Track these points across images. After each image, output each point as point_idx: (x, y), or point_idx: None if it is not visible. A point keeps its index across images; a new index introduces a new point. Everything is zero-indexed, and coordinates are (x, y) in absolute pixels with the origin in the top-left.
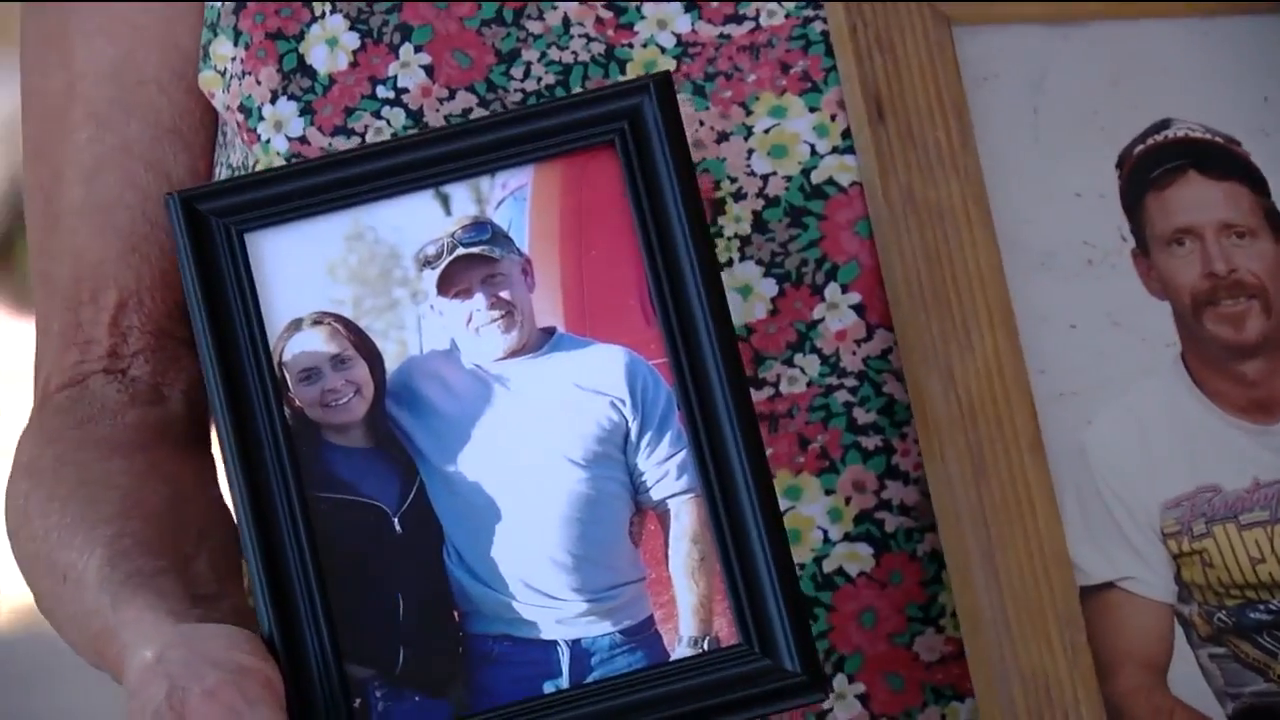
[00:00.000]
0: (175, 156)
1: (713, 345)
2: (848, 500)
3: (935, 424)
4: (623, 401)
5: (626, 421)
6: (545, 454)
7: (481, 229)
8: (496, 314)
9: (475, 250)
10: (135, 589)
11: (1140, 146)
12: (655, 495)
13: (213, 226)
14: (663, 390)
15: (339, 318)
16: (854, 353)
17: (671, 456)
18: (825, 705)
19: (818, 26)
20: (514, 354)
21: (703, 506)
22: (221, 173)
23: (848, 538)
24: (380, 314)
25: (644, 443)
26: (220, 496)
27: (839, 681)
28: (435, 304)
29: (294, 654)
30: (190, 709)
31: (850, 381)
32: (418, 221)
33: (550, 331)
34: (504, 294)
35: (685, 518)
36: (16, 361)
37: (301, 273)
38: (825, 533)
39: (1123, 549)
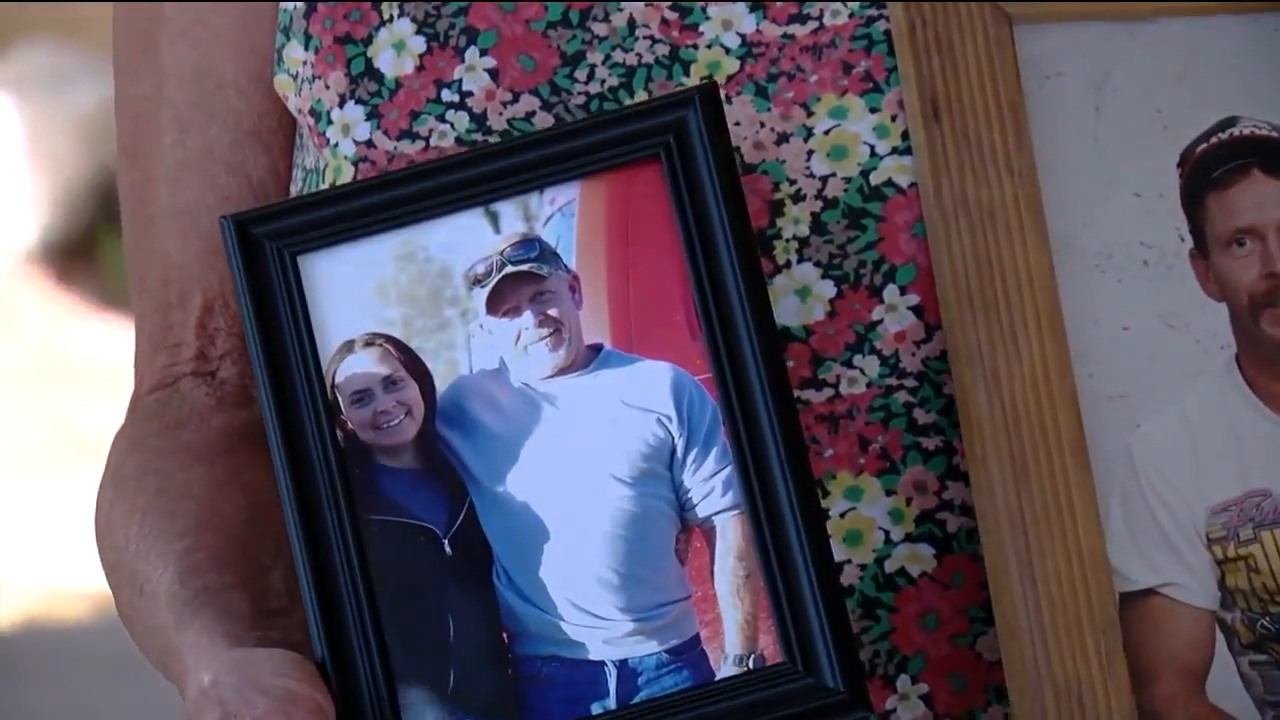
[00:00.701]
0: (255, 159)
1: (757, 361)
2: (909, 501)
3: (979, 428)
4: (669, 418)
5: (673, 438)
6: (592, 472)
7: (530, 246)
8: (545, 332)
9: (524, 268)
10: (199, 609)
11: (1203, 145)
12: (701, 512)
13: (266, 250)
14: (709, 406)
15: (390, 339)
16: (913, 354)
17: (717, 473)
18: (889, 705)
19: (881, 26)
20: (562, 372)
21: (747, 523)
22: (297, 175)
23: (909, 538)
24: (431, 334)
25: (690, 459)
26: None
27: (902, 682)
28: (484, 323)
29: (345, 677)
30: None
31: (910, 382)
32: (467, 240)
33: (597, 348)
34: (552, 311)
35: (731, 535)
36: (105, 357)
37: (353, 294)
38: (886, 534)
39: (1166, 554)
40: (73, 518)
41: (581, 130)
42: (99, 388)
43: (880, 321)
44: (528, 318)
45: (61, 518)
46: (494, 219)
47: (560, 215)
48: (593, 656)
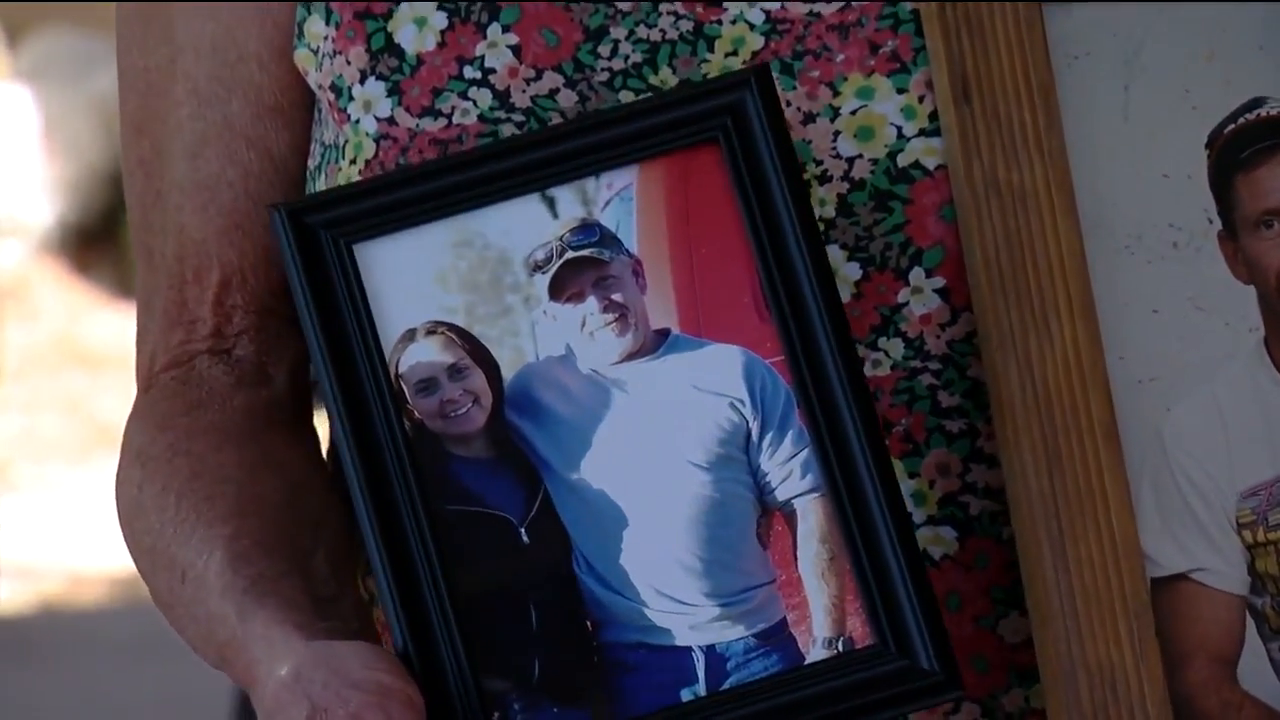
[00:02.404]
0: (277, 134)
1: (829, 341)
2: (932, 483)
3: (1010, 412)
4: (742, 402)
5: (747, 422)
6: (668, 458)
7: (590, 231)
8: (610, 317)
9: (585, 253)
10: (260, 598)
11: (1231, 126)
12: (780, 496)
13: (321, 240)
14: (781, 389)
15: (453, 327)
16: (938, 336)
17: (794, 456)
18: None
19: (908, 5)
20: (630, 357)
21: (829, 505)
22: (315, 150)
23: (932, 521)
24: (493, 321)
25: (766, 443)
26: (329, 482)
27: None
28: (548, 309)
29: (429, 669)
30: None
31: (934, 365)
32: (525, 226)
33: (665, 333)
34: (616, 296)
35: (812, 517)
36: (123, 344)
37: (412, 282)
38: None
39: (1197, 539)
40: (91, 502)
41: (637, 114)
42: (117, 374)
43: (906, 304)
44: (592, 303)
45: (80, 502)
46: (551, 204)
47: (618, 200)
48: (679, 642)
